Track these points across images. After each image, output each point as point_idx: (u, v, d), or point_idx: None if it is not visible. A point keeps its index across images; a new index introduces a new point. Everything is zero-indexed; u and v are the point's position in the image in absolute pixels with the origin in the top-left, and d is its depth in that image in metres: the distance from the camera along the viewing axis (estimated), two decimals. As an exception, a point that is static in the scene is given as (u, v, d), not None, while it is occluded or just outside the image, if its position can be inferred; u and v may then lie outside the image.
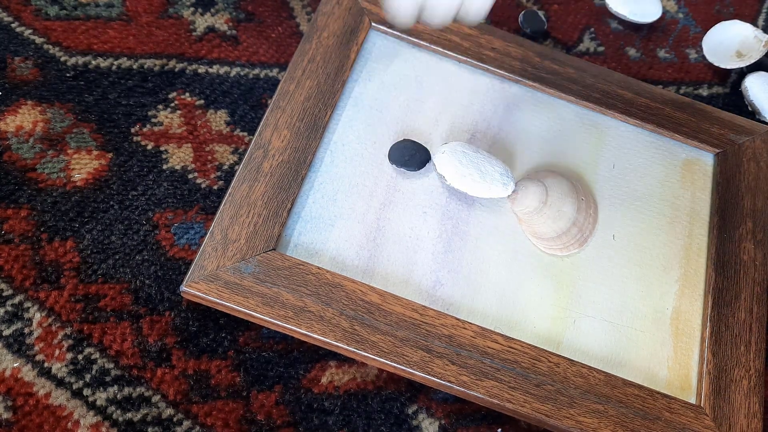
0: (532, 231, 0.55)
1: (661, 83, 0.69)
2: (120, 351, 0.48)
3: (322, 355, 0.51)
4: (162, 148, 0.56)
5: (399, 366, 0.48)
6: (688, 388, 0.52)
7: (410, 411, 0.50)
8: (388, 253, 0.52)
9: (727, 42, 0.71)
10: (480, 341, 0.49)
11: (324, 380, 0.50)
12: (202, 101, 0.59)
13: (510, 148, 0.59)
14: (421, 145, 0.57)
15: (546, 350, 0.50)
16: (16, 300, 0.49)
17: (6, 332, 0.48)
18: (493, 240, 0.54)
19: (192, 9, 0.63)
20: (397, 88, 0.59)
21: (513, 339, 0.50)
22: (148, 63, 0.60)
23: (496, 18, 0.70)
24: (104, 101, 0.57)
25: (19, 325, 0.48)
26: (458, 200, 0.56)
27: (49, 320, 0.49)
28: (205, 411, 0.48)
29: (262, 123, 0.55)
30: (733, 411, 0.51)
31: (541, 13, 0.71)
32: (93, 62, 0.59)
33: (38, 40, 0.59)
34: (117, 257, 0.51)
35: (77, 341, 0.48)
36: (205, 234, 0.52)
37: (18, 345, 0.48)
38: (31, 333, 0.48)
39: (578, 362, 0.50)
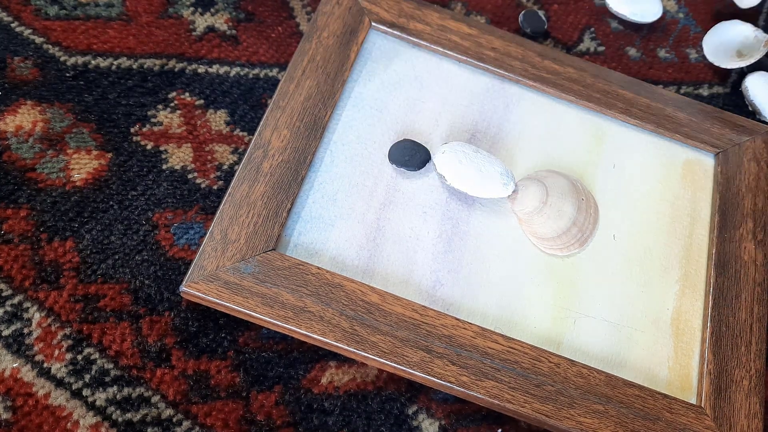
0: (532, 231, 0.55)
1: (662, 83, 0.69)
2: (119, 351, 0.48)
3: (322, 356, 0.51)
4: (162, 148, 0.56)
5: (399, 366, 0.48)
6: (689, 389, 0.52)
7: (410, 411, 0.50)
8: (388, 253, 0.52)
9: (728, 42, 0.71)
10: (480, 341, 0.49)
11: (324, 380, 0.50)
12: (201, 101, 0.59)
13: (510, 148, 0.59)
14: (421, 145, 0.57)
15: (546, 350, 0.50)
16: (16, 300, 0.49)
17: (5, 332, 0.48)
18: (494, 240, 0.54)
19: (192, 9, 0.63)
20: (397, 88, 0.59)
21: (513, 339, 0.50)
22: (148, 63, 0.60)
23: (496, 18, 0.70)
24: (104, 101, 0.57)
25: (18, 325, 0.48)
26: (458, 200, 0.55)
27: (49, 320, 0.49)
28: (205, 411, 0.48)
29: (261, 123, 0.55)
30: (733, 411, 0.51)
31: (541, 13, 0.70)
32: (93, 62, 0.59)
33: (38, 39, 0.59)
34: (116, 257, 0.51)
35: (77, 341, 0.48)
36: (205, 234, 0.52)
37: (17, 345, 0.47)
38: (30, 333, 0.48)
39: (579, 362, 0.50)
